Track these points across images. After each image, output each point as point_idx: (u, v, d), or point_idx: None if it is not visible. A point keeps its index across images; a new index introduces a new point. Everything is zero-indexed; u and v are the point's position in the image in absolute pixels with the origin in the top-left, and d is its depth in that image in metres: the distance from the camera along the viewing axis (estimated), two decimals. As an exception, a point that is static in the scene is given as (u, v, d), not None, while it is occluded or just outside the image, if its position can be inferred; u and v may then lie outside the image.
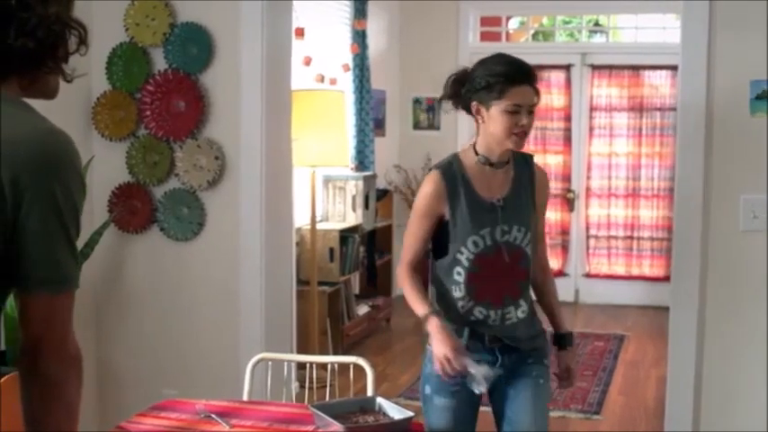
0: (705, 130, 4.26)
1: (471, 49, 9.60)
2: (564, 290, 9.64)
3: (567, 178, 9.77)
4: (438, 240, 3.27)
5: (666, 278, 9.00)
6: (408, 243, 3.31)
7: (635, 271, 9.73)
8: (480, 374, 3.02)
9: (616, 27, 10.32)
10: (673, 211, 8.95)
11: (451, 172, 3.23)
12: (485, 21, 9.95)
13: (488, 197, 3.23)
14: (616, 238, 9.79)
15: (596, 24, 10.36)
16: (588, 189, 9.77)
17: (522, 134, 3.16)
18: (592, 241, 9.83)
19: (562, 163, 9.76)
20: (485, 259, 3.21)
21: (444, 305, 3.27)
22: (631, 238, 9.74)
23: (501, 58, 3.22)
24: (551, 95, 9.70)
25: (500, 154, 3.23)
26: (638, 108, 9.57)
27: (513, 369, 3.29)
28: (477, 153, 3.25)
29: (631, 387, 6.85)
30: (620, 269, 9.79)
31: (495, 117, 3.14)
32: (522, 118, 3.13)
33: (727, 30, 4.22)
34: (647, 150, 9.60)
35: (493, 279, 3.24)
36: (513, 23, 10.45)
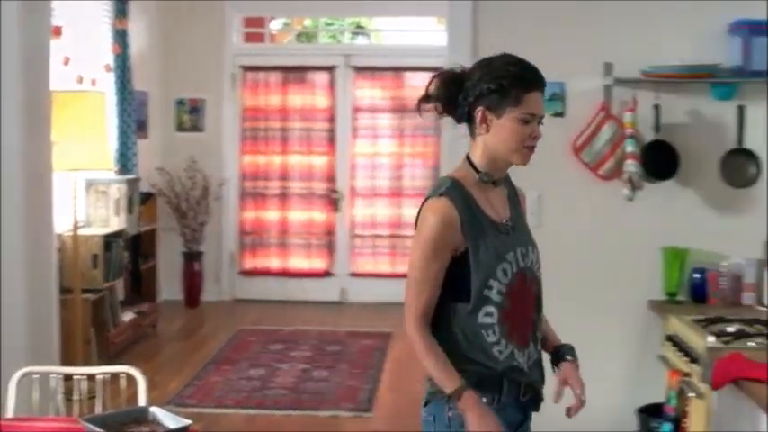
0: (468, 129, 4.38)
1: (235, 50, 9.57)
2: (330, 290, 9.74)
3: (331, 179, 9.82)
4: (451, 282, 2.75)
5: (430, 275, 9.20)
6: (417, 291, 2.74)
7: (400, 269, 9.86)
8: None
9: (378, 29, 10.47)
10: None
11: (459, 194, 2.75)
12: (249, 22, 9.90)
13: (497, 219, 2.81)
14: (381, 237, 9.91)
15: (359, 27, 10.49)
16: (353, 189, 9.86)
17: (533, 147, 2.77)
18: (357, 241, 9.92)
19: (327, 164, 9.81)
20: (513, 290, 2.76)
21: (476, 360, 2.74)
22: (395, 236, 9.89)
23: (514, 60, 2.79)
24: (315, 97, 9.74)
25: (503, 169, 2.84)
26: (400, 109, 9.72)
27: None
28: (477, 170, 2.80)
29: (400, 383, 6.94)
30: (385, 267, 9.92)
31: (507, 127, 2.72)
32: (535, 129, 2.74)
33: (490, 33, 4.35)
34: (410, 150, 9.77)
35: (520, 314, 2.79)
36: (277, 25, 10.44)
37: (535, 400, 2.84)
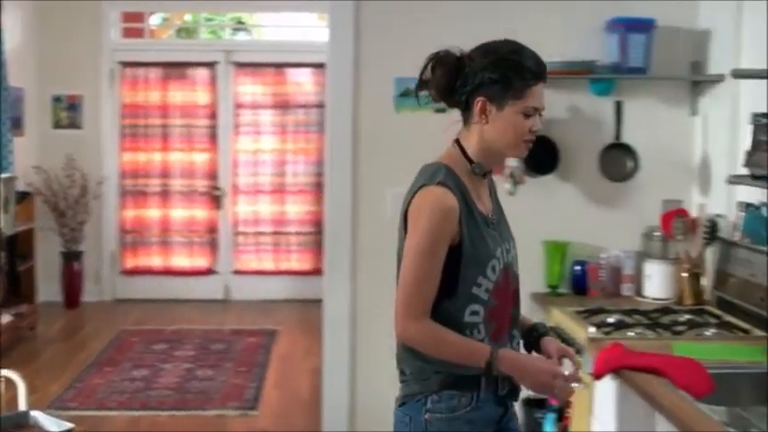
0: (352, 126, 4.40)
1: (114, 46, 9.42)
2: (214, 288, 9.66)
3: (213, 176, 9.72)
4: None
5: (314, 271, 9.22)
6: (416, 286, 2.56)
7: (283, 266, 9.85)
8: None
9: (259, 25, 10.41)
10: (318, 205, 9.28)
11: (455, 183, 2.62)
12: (127, 17, 9.72)
13: (485, 212, 2.70)
14: (264, 234, 9.86)
15: (239, 22, 10.42)
16: (235, 186, 9.78)
17: (531, 141, 2.65)
18: (240, 238, 9.85)
19: (208, 160, 9.71)
20: (499, 288, 2.66)
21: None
22: (279, 233, 9.85)
23: (519, 49, 2.63)
24: (196, 93, 9.63)
25: (497, 162, 2.76)
26: (282, 105, 9.69)
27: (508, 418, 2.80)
28: (469, 161, 2.68)
29: (286, 380, 6.93)
30: (268, 265, 9.87)
31: (507, 119, 2.59)
32: (535, 122, 2.62)
33: (372, 29, 4.36)
34: (293, 147, 9.74)
35: (503, 312, 2.69)
36: (156, 20, 10.29)
37: (513, 392, 2.73)
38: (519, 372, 2.58)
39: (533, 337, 2.81)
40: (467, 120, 2.68)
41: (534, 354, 2.80)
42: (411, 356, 2.66)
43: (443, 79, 2.65)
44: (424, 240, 2.55)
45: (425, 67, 2.69)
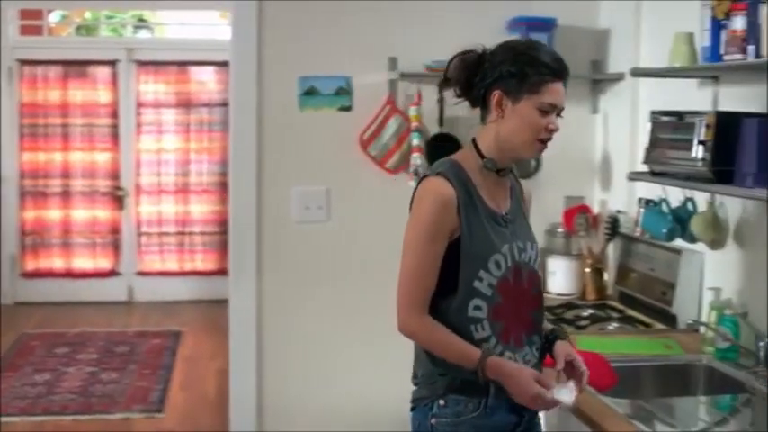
0: (257, 125, 4.38)
1: (12, 43, 9.22)
2: (117, 289, 9.52)
3: (115, 176, 9.57)
4: (441, 273, 2.58)
5: (219, 272, 9.16)
6: (415, 278, 2.57)
7: (188, 266, 9.75)
8: (567, 395, 2.52)
9: (161, 23, 10.28)
10: (223, 205, 9.21)
11: (458, 177, 2.59)
12: (25, 14, 9.52)
13: (496, 209, 2.65)
14: (168, 234, 9.75)
15: (141, 20, 10.28)
16: (138, 186, 9.65)
17: (546, 141, 2.61)
18: (144, 239, 9.72)
19: (110, 160, 9.54)
20: (506, 285, 2.60)
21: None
22: (183, 233, 9.75)
23: (540, 46, 2.63)
24: (97, 92, 9.46)
25: (510, 160, 2.67)
26: (185, 104, 9.59)
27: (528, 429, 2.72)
28: (482, 156, 2.64)
29: (192, 382, 6.87)
30: (173, 265, 9.76)
31: (523, 113, 2.56)
32: (552, 120, 2.58)
33: (275, 28, 4.35)
34: (196, 146, 9.64)
35: (515, 312, 2.62)
36: (55, 17, 10.09)
37: None
38: (504, 381, 2.50)
39: (548, 340, 2.73)
40: (483, 117, 2.65)
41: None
42: (424, 359, 2.64)
43: (463, 74, 2.63)
44: (422, 230, 2.56)
45: (449, 64, 2.68)
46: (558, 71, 2.59)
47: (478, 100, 2.64)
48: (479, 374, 2.49)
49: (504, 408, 2.57)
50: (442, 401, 2.60)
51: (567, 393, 2.50)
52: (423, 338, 2.62)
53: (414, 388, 2.72)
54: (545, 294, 4.44)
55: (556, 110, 2.59)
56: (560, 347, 2.69)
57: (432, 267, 2.55)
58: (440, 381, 2.60)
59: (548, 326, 2.81)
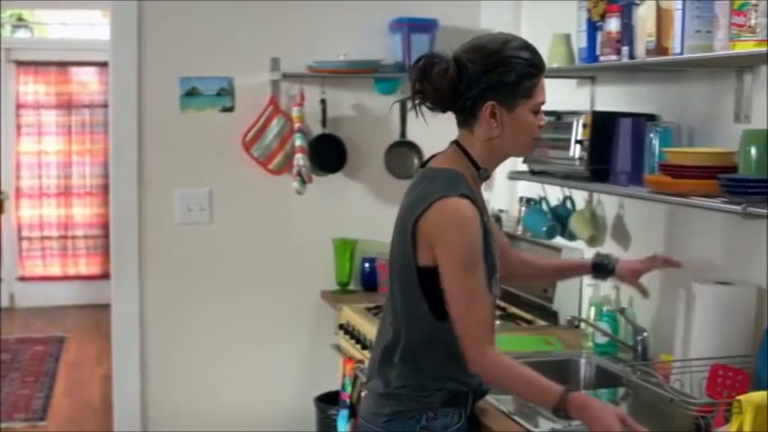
0: (138, 126, 4.32)
1: None
2: (-2, 295, 9.30)
3: (-6, 179, 9.37)
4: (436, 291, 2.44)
5: (103, 276, 9.00)
6: (473, 311, 2.39)
7: (71, 270, 9.59)
8: None
9: (41, 22, 10.07)
10: (106, 207, 9.06)
11: (472, 193, 2.45)
12: None
13: (488, 221, 2.56)
14: (50, 238, 9.57)
15: (20, 19, 10.04)
16: (18, 189, 9.44)
17: (538, 138, 2.54)
18: (25, 243, 9.52)
19: (-12, 163, 9.35)
20: (495, 301, 2.55)
21: (455, 377, 2.52)
22: (66, 237, 9.58)
23: (522, 44, 2.48)
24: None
25: (499, 164, 2.60)
26: (66, 105, 9.42)
27: None
28: (476, 167, 2.52)
29: (76, 388, 6.76)
30: (55, 270, 9.59)
31: (521, 120, 2.45)
32: (542, 116, 2.51)
33: (156, 28, 4.29)
34: (78, 148, 9.49)
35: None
36: (-72, 16, 9.80)
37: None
38: (588, 417, 2.32)
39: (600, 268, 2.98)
40: (467, 122, 2.51)
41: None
42: (409, 371, 2.53)
43: (446, 85, 2.43)
44: (465, 259, 2.38)
45: (418, 74, 2.47)
46: (541, 65, 2.49)
47: (464, 109, 2.48)
48: (560, 410, 2.36)
49: (469, 418, 2.58)
50: (431, 413, 2.52)
51: None
52: (495, 374, 2.46)
53: (376, 397, 2.60)
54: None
55: (542, 105, 2.52)
56: (624, 269, 2.96)
57: (483, 293, 2.41)
58: (436, 395, 2.52)
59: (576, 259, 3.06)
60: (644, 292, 2.96)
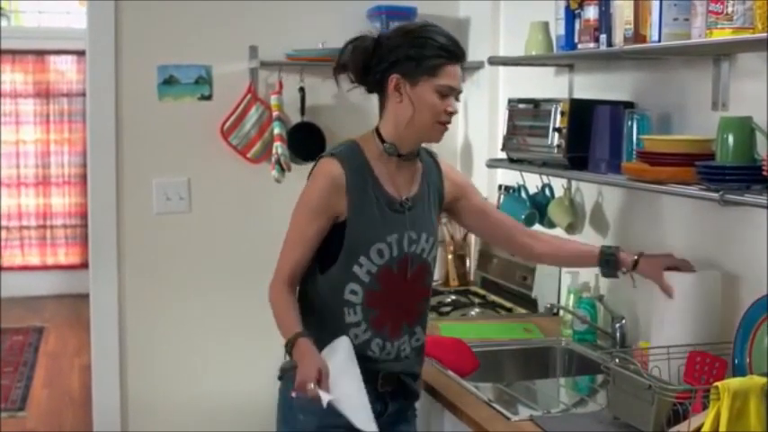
0: (115, 115, 4.29)
1: None
2: (-24, 285, 9.25)
3: (-28, 169, 9.33)
4: (324, 248, 2.62)
5: (82, 265, 8.96)
6: (288, 251, 2.62)
7: (50, 260, 9.56)
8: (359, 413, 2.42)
9: (18, 11, 10.00)
10: (85, 197, 9.00)
11: (354, 159, 2.61)
12: None
13: (395, 195, 2.66)
14: (28, 228, 9.54)
15: (-3, 8, 9.98)
16: (-4, 179, 9.41)
17: (446, 124, 2.63)
18: (3, 233, 9.47)
19: (-34, 152, 9.30)
20: (388, 275, 2.62)
21: (326, 334, 2.58)
22: (44, 227, 9.55)
23: (433, 29, 2.63)
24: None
25: (413, 144, 2.67)
26: (44, 94, 9.37)
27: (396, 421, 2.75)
28: (383, 141, 2.65)
29: (55, 379, 6.75)
30: (34, 259, 9.56)
31: (422, 97, 2.57)
32: (451, 103, 2.61)
33: (133, 16, 4.26)
34: (56, 137, 9.45)
35: (394, 302, 2.66)
36: None
37: (404, 393, 2.73)
38: (298, 359, 2.46)
39: (611, 261, 2.91)
40: (382, 103, 2.66)
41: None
42: (311, 330, 2.58)
43: (360, 59, 2.62)
44: (303, 207, 2.62)
45: (344, 50, 2.67)
46: (455, 53, 2.60)
47: (375, 85, 2.65)
48: (286, 349, 2.52)
49: (372, 395, 2.54)
50: None
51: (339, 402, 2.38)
52: (274, 309, 2.62)
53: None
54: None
55: (454, 92, 2.62)
56: (648, 267, 2.87)
57: (305, 244, 2.59)
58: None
59: (589, 246, 3.03)
60: (668, 292, 2.82)
